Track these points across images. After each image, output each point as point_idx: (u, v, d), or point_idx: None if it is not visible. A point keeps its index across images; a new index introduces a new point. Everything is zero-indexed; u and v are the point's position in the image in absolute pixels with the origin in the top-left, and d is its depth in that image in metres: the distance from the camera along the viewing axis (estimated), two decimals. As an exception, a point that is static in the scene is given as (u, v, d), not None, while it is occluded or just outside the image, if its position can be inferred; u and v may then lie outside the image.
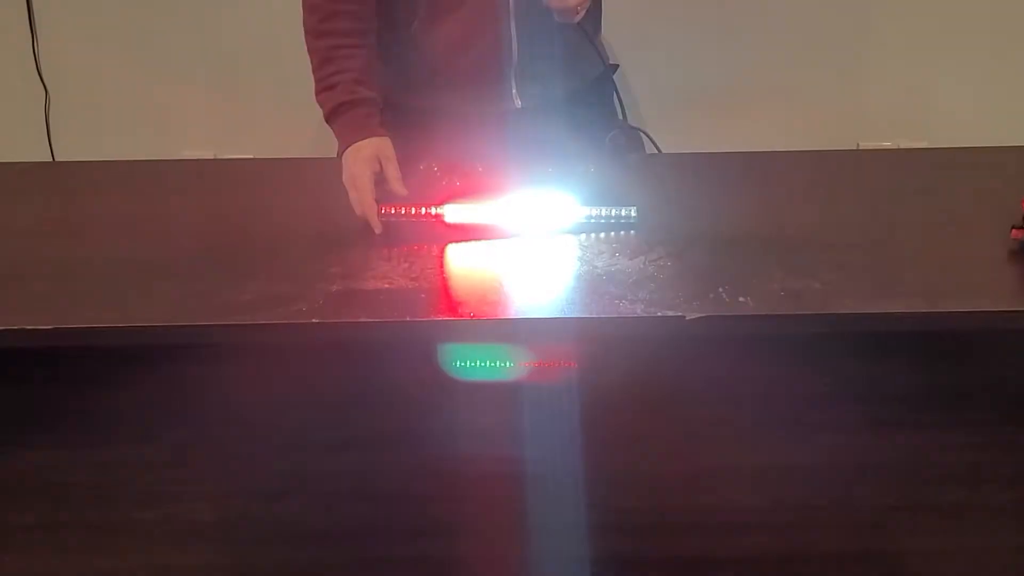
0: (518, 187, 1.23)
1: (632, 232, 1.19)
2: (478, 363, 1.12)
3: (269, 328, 0.99)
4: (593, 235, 1.19)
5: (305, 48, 1.39)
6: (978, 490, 1.18)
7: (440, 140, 1.51)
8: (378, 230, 1.23)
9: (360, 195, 1.25)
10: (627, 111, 1.50)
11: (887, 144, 2.42)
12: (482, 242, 1.17)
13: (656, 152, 1.54)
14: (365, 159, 1.28)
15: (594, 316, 1.01)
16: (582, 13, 1.40)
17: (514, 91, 1.51)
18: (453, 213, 1.21)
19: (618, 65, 1.62)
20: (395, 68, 1.56)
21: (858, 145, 2.42)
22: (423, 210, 1.21)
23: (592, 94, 1.60)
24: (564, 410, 1.15)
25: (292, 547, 1.19)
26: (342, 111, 1.33)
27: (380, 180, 1.27)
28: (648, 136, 1.51)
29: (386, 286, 1.06)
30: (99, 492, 1.17)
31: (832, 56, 2.39)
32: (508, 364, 1.12)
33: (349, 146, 1.30)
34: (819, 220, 1.23)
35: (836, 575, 1.22)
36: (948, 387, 1.15)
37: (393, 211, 1.21)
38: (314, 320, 0.99)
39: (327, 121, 1.36)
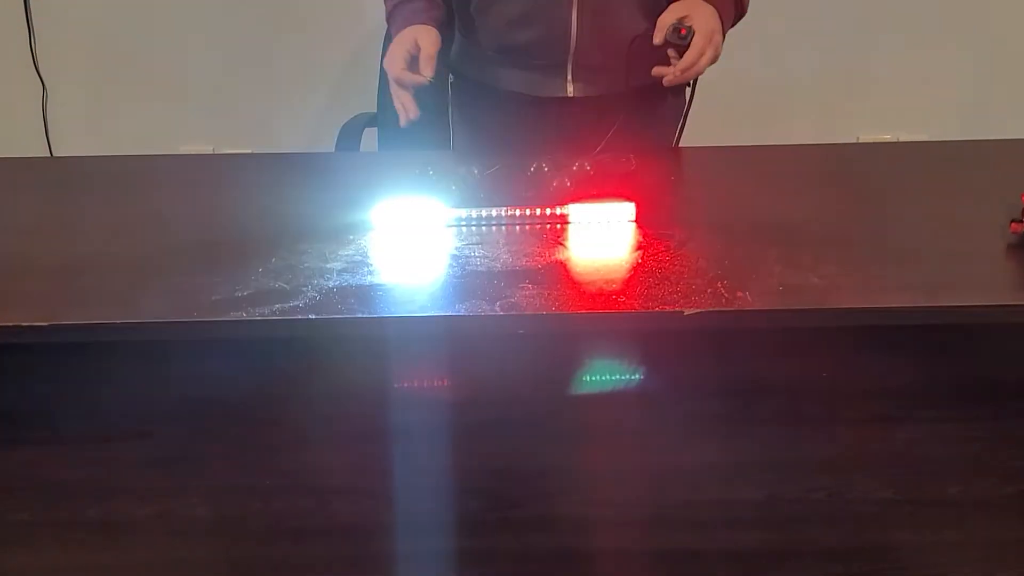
0: (526, 186, 1.22)
1: (630, 227, 1.19)
2: (478, 359, 1.12)
3: (265, 324, 0.99)
4: (590, 230, 1.18)
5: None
6: (977, 483, 1.18)
7: (495, 119, 1.54)
8: (420, 81, 1.34)
9: (389, 67, 1.34)
10: None
11: (887, 137, 2.42)
12: (480, 239, 1.16)
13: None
14: (400, 42, 1.36)
15: (592, 311, 1.01)
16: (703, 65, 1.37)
17: (569, 78, 1.48)
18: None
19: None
20: (458, 40, 1.56)
21: (858, 138, 2.42)
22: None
23: (656, 94, 1.49)
24: (561, 405, 1.15)
25: (290, 543, 1.19)
26: (398, 9, 1.42)
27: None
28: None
29: (383, 282, 1.06)
30: (96, 488, 1.17)
31: (832, 49, 2.39)
32: (506, 360, 1.12)
33: (395, 36, 1.38)
34: (818, 214, 1.23)
35: (834, 569, 1.22)
36: (947, 381, 1.15)
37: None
38: (310, 316, 0.99)
39: (387, 22, 1.46)
